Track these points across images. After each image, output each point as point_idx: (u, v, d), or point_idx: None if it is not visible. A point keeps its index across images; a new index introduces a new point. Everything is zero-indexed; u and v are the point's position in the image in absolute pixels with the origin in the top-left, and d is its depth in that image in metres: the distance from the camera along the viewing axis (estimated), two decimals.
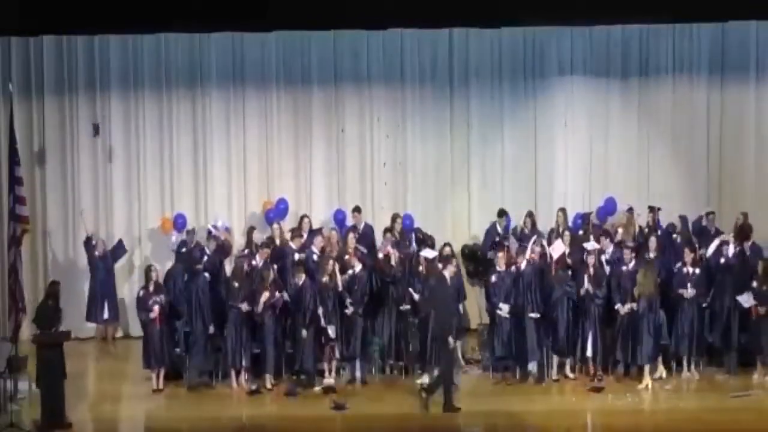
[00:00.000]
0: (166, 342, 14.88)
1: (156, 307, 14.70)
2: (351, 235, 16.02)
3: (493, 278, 15.08)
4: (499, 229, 16.97)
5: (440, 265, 14.72)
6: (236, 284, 14.84)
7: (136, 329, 16.74)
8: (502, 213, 17.12)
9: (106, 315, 17.39)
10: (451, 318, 14.21)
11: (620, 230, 16.34)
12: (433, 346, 14.43)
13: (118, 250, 17.67)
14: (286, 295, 14.94)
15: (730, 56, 18.09)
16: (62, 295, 16.06)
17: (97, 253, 17.37)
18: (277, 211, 17.42)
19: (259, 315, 14.66)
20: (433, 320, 14.31)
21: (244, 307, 14.68)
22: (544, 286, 15.00)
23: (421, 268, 15.21)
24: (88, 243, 17.48)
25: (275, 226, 16.64)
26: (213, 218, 17.36)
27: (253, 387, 14.80)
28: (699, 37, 18.08)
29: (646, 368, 14.78)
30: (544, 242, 15.63)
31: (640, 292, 14.70)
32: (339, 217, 17.39)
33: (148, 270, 15.12)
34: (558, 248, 15.25)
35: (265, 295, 14.62)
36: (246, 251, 15.97)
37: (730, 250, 15.31)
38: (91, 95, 18.01)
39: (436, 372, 14.26)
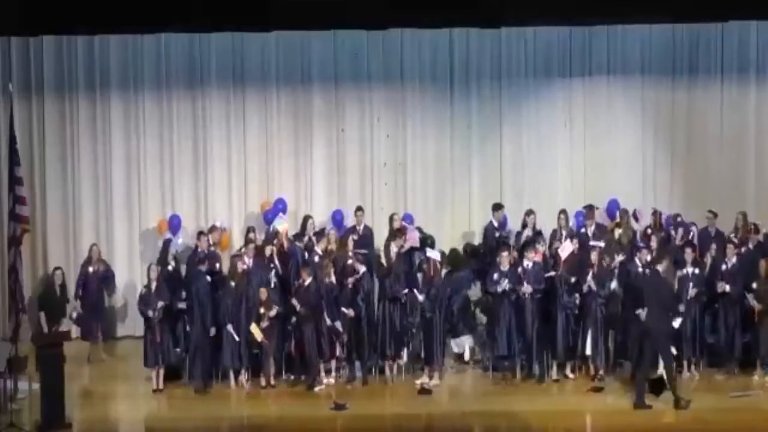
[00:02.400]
0: (166, 341, 14.88)
1: (159, 306, 14.72)
2: (350, 238, 16.02)
3: (495, 276, 15.08)
4: (495, 224, 16.93)
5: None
6: (233, 284, 14.87)
7: (137, 329, 16.74)
8: (497, 207, 17.06)
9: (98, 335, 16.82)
10: (668, 314, 14.08)
11: (618, 231, 16.34)
12: (646, 344, 14.07)
13: (109, 280, 17.11)
14: (273, 312, 14.92)
15: (729, 56, 18.09)
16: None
17: (91, 268, 16.73)
18: (275, 212, 17.40)
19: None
20: (649, 316, 14.03)
21: (230, 328, 14.74)
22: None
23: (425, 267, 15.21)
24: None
25: (279, 225, 16.62)
26: (212, 218, 17.41)
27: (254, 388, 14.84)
28: (699, 37, 18.08)
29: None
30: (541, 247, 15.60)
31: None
32: (337, 218, 17.38)
33: (148, 269, 15.13)
34: (567, 248, 15.25)
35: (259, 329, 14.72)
36: (244, 251, 15.99)
37: (731, 254, 15.30)
38: (91, 95, 18.00)
39: (660, 371, 14.08)
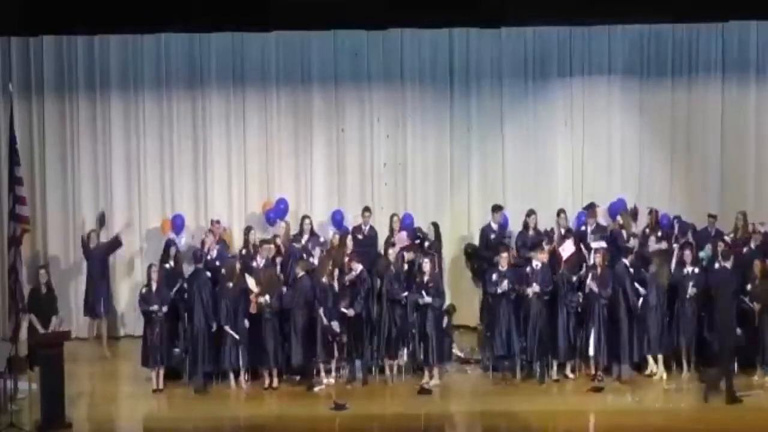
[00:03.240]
0: (167, 341, 14.87)
1: (164, 308, 14.75)
2: (349, 237, 16.02)
3: (494, 276, 15.08)
4: (494, 226, 16.92)
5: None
6: (230, 285, 14.84)
7: (137, 329, 16.73)
8: (496, 208, 17.05)
9: (101, 310, 16.93)
10: (733, 309, 14.24)
11: (623, 232, 16.34)
12: (714, 340, 14.36)
13: (114, 244, 17.26)
14: (263, 299, 14.89)
15: (729, 56, 18.09)
16: (62, 295, 16.09)
17: (91, 245, 16.95)
18: (276, 211, 17.41)
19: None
20: (718, 311, 14.22)
21: (228, 329, 14.74)
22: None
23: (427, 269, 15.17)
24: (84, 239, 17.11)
25: (282, 224, 16.60)
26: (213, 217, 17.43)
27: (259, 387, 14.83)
28: (699, 37, 18.08)
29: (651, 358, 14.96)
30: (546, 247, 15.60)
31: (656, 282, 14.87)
32: (337, 218, 17.36)
33: (149, 269, 15.13)
34: (568, 248, 15.26)
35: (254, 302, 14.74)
36: (244, 251, 15.98)
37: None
38: (91, 95, 17.99)
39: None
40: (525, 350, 15.04)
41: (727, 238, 15.92)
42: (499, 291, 14.99)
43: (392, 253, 15.40)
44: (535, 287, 14.87)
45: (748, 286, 14.91)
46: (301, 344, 14.85)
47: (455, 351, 15.93)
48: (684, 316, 15.09)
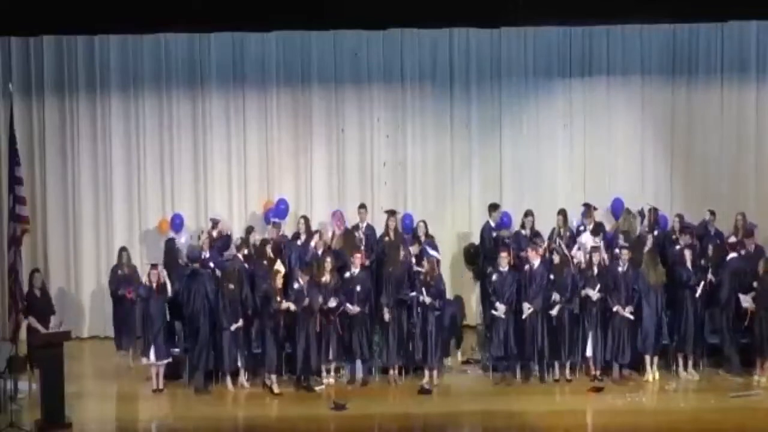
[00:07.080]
0: (168, 337, 14.85)
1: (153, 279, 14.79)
2: (350, 235, 16.01)
3: (494, 277, 15.08)
4: (492, 224, 16.91)
5: None
6: (231, 286, 14.81)
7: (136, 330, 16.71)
8: (493, 207, 17.02)
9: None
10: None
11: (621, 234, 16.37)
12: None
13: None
14: (285, 305, 14.82)
15: (729, 56, 18.10)
16: (61, 295, 16.08)
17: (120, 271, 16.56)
18: (277, 211, 17.41)
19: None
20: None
21: (233, 326, 14.70)
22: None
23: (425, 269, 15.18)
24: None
25: (273, 225, 16.62)
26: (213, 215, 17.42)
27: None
28: (698, 37, 18.09)
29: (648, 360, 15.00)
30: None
31: (654, 282, 14.88)
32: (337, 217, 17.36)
33: (149, 273, 15.08)
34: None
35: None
36: (246, 252, 15.97)
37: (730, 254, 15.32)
38: (91, 95, 18.01)
39: None
40: (524, 350, 15.00)
41: (732, 239, 15.92)
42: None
43: (402, 253, 15.39)
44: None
45: (754, 284, 14.91)
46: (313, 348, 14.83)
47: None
48: (685, 316, 15.07)
